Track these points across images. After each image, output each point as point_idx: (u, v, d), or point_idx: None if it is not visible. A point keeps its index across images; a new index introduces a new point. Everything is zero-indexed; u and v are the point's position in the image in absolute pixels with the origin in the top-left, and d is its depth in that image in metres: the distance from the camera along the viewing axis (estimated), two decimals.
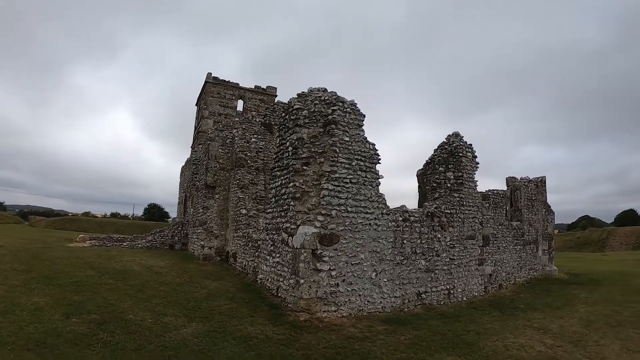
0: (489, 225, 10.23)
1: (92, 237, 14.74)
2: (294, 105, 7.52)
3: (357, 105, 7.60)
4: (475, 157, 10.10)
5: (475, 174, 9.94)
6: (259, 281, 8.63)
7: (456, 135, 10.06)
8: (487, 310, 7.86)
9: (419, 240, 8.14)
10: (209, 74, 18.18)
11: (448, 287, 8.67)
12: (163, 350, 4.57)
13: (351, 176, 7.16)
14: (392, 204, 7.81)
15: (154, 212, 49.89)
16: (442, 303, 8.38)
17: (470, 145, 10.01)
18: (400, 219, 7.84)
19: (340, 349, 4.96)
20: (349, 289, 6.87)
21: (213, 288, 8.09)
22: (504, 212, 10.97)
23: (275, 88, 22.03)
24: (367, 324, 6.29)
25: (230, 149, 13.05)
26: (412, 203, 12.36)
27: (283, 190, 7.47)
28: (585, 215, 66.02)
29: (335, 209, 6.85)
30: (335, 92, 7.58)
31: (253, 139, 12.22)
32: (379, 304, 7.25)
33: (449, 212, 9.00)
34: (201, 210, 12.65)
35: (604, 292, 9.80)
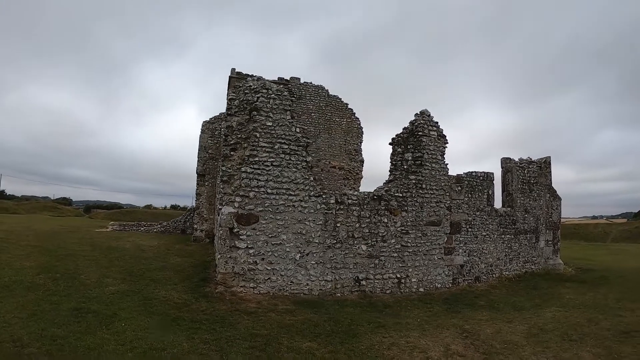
0: (460, 210, 9.25)
1: (120, 224, 17.40)
2: (229, 96, 7.91)
3: (284, 92, 7.66)
4: (443, 136, 9.20)
5: (440, 154, 9.07)
6: (215, 259, 9.37)
7: (421, 113, 9.27)
8: (432, 304, 7.17)
9: (357, 224, 7.87)
10: (233, 69, 18.81)
11: (399, 275, 8.19)
12: (81, 298, 5.59)
13: (272, 159, 7.29)
14: None
15: None
16: (388, 292, 7.96)
17: (436, 123, 9.15)
18: (332, 201, 7.69)
19: (214, 317, 5.28)
20: (269, 268, 7.09)
21: (172, 263, 9.06)
22: (485, 196, 9.76)
23: (299, 78, 22.46)
24: (276, 302, 6.45)
25: (219, 139, 14.06)
26: None
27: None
28: None
29: (253, 191, 7.10)
30: (264, 80, 7.74)
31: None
32: (304, 286, 7.30)
33: (401, 195, 8.44)
34: (196, 196, 13.99)
35: (599, 294, 8.09)
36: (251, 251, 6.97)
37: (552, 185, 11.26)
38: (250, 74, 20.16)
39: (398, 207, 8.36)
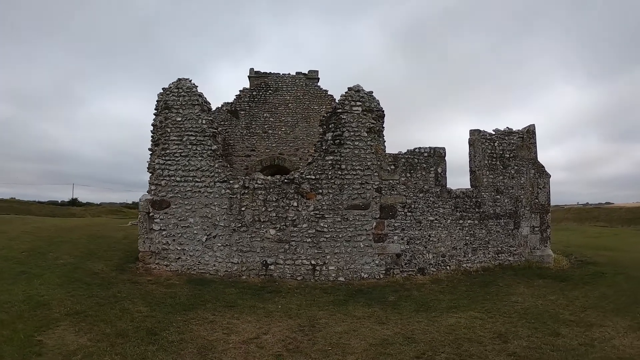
0: (395, 192, 8.87)
1: None
2: (157, 99, 9.60)
3: (194, 88, 8.90)
4: (372, 110, 9.03)
5: (367, 130, 8.90)
6: None
7: (349, 89, 9.32)
8: (332, 295, 7.29)
9: (263, 208, 8.50)
10: (251, 69, 20.24)
11: (313, 262, 8.47)
12: (32, 266, 7.86)
13: (181, 150, 8.61)
14: None
15: None
16: (299, 279, 8.33)
17: (364, 97, 9.05)
18: (237, 186, 8.53)
19: (105, 282, 7.08)
20: (179, 248, 8.39)
21: (134, 247, 11.11)
22: (432, 175, 9.04)
23: (317, 71, 23.44)
24: (173, 278, 7.82)
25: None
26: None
27: None
28: None
29: (165, 180, 8.53)
30: (181, 81, 9.08)
31: None
32: (212, 267, 8.35)
33: (314, 177, 8.69)
34: None
35: (566, 298, 7.06)
36: (164, 233, 8.40)
37: (539, 159, 9.50)
38: (269, 71, 21.85)
39: (311, 190, 8.62)
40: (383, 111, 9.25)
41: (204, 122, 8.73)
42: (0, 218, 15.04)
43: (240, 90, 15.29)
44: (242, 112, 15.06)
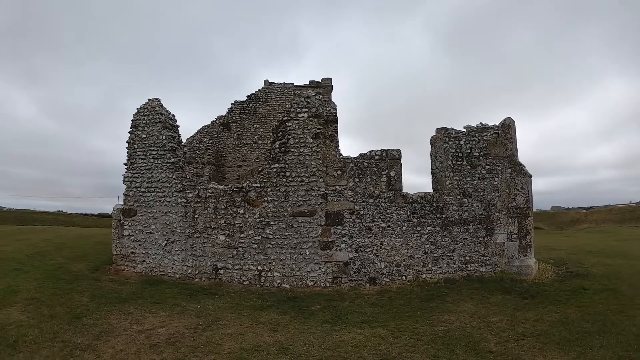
0: (342, 198, 9.11)
1: None
2: (132, 119, 11.51)
3: (157, 107, 10.50)
4: (320, 115, 9.53)
5: (313, 136, 9.37)
6: None
7: (299, 96, 9.95)
8: (262, 300, 8.04)
9: (213, 216, 9.54)
10: (266, 81, 22.47)
11: (260, 268, 9.19)
12: (25, 265, 10.20)
13: (145, 164, 10.24)
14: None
15: None
16: (246, 283, 9.15)
17: (311, 103, 9.64)
18: (191, 195, 9.74)
19: (73, 277, 8.87)
20: (144, 252, 9.93)
21: None
22: (384, 179, 9.01)
23: (330, 79, 24.71)
24: (131, 278, 9.36)
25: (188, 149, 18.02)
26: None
27: None
28: None
29: (132, 191, 10.23)
30: (149, 101, 10.82)
31: (205, 139, 16.65)
32: (170, 269, 9.68)
33: (259, 185, 9.44)
34: None
35: (508, 322, 6.44)
36: (132, 238, 10.06)
37: (518, 157, 8.62)
38: (282, 82, 23.78)
39: (257, 198, 9.39)
40: (334, 115, 9.61)
41: (164, 137, 10.23)
42: (33, 228, 19.08)
43: (232, 103, 16.86)
44: (233, 124, 16.58)
